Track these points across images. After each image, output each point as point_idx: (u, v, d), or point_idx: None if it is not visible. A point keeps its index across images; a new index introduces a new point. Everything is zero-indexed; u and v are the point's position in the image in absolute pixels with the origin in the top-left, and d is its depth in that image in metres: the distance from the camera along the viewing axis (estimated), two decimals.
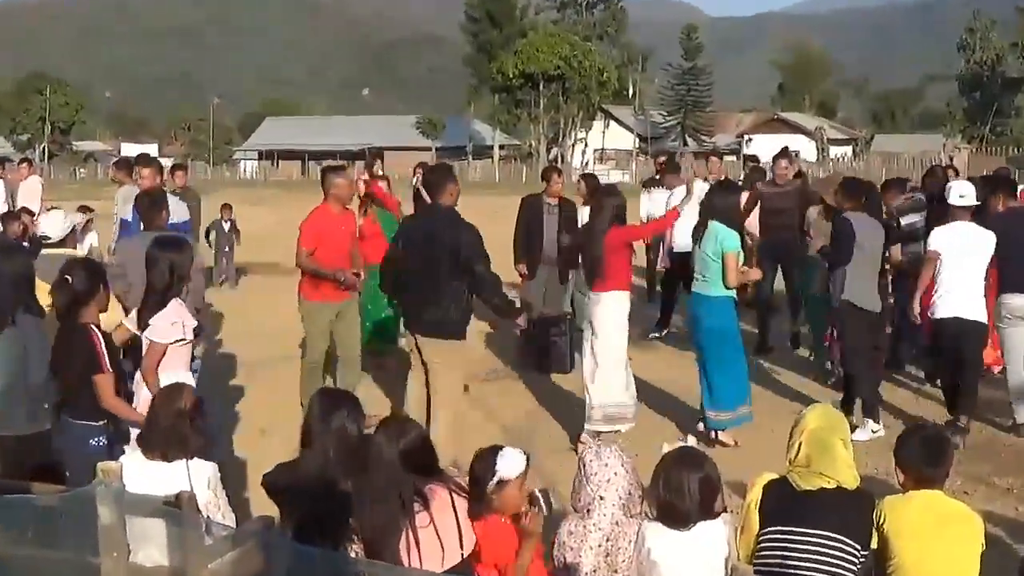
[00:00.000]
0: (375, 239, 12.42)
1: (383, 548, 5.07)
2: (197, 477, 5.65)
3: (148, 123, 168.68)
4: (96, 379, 6.80)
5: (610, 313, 10.19)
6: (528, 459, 5.44)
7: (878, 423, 10.60)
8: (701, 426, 10.47)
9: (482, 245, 9.29)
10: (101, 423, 6.91)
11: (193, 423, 5.82)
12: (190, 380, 7.23)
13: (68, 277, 6.97)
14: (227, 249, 20.85)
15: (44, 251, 8.59)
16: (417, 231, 9.61)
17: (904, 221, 12.55)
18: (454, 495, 5.28)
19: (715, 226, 10.17)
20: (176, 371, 7.20)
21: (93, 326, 6.92)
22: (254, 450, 9.40)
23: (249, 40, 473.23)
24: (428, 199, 18.63)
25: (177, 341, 7.34)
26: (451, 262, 9.11)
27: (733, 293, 10.30)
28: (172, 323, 7.30)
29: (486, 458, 5.44)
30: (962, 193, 10.84)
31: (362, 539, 5.12)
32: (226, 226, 21.02)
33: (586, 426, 10.24)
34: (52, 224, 8.86)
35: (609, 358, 10.21)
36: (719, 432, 10.39)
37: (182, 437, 5.75)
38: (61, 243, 8.74)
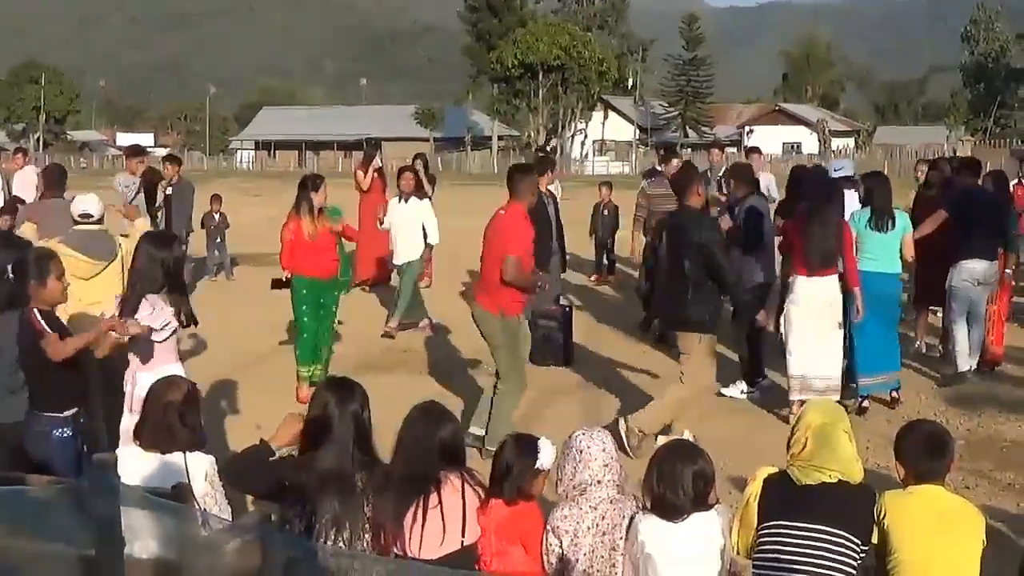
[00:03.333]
0: (329, 251, 11.91)
1: (390, 531, 5.21)
2: (194, 470, 5.62)
3: (143, 112, 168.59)
4: (42, 344, 6.73)
5: (826, 295, 10.68)
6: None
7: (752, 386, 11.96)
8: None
9: (722, 243, 10.02)
10: (66, 414, 6.87)
11: (184, 416, 5.78)
12: (181, 371, 7.20)
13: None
14: (218, 240, 20.83)
15: (82, 227, 9.09)
16: (667, 231, 10.17)
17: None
18: (466, 485, 5.39)
19: (900, 214, 11.45)
20: (166, 365, 7.16)
21: (35, 309, 6.84)
22: (250, 444, 9.37)
23: (245, 28, 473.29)
24: (429, 191, 18.61)
25: (162, 328, 7.27)
26: (695, 259, 9.69)
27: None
28: (150, 313, 7.21)
29: (519, 448, 5.64)
30: (836, 168, 13.00)
31: (371, 525, 5.19)
32: (216, 218, 20.99)
33: (792, 397, 10.77)
34: (91, 203, 9.26)
35: (825, 334, 10.66)
36: (867, 398, 11.31)
37: (170, 429, 5.72)
38: (99, 221, 9.24)
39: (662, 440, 8.95)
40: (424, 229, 15.57)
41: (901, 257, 11.51)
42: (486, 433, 9.86)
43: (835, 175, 12.77)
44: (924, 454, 5.42)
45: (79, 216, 9.22)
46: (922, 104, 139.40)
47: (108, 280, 8.87)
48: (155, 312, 7.25)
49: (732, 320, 12.24)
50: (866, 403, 11.24)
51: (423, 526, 5.24)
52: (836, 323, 10.73)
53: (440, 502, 5.28)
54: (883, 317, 11.22)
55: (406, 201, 15.57)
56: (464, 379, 12.65)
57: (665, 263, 10.14)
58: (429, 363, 13.47)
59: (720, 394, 11.66)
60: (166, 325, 7.31)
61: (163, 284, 7.44)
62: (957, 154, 38.80)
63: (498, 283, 9.76)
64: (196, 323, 7.82)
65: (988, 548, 5.30)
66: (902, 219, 11.50)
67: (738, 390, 11.95)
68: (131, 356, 7.37)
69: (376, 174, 19.09)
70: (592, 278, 20.29)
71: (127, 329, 6.99)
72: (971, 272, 12.19)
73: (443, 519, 5.26)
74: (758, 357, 12.15)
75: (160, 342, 7.32)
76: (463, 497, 5.35)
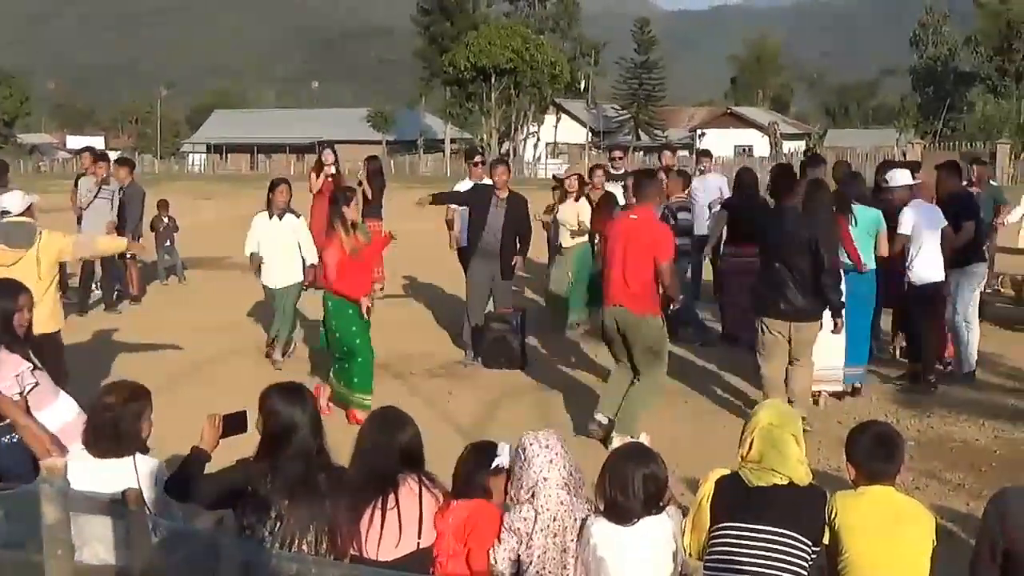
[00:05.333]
0: (370, 270, 11.47)
1: (347, 533, 5.25)
2: (144, 474, 5.58)
3: (94, 114, 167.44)
4: None
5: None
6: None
7: None
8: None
9: (834, 240, 10.72)
10: (5, 422, 6.74)
11: (132, 420, 5.73)
12: (69, 400, 7.02)
13: None
14: (168, 244, 20.73)
15: (5, 219, 9.40)
16: (775, 229, 10.60)
17: (680, 216, 14.37)
18: (424, 488, 5.45)
19: (863, 209, 11.84)
20: (54, 402, 6.97)
21: None
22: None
23: (197, 29, 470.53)
24: (370, 195, 18.44)
25: (30, 390, 6.85)
26: (809, 254, 10.26)
27: None
28: (15, 376, 6.79)
29: (480, 452, 5.80)
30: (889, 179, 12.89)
31: (328, 526, 5.20)
32: (165, 221, 20.89)
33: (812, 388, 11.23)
34: (12, 200, 9.53)
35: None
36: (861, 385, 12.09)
37: (118, 434, 5.67)
38: (20, 216, 9.44)
39: (616, 443, 9.00)
40: (300, 248, 13.49)
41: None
42: (613, 419, 10.33)
43: (891, 185, 12.82)
44: (875, 455, 5.45)
45: (1, 212, 9.49)
46: (872, 107, 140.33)
47: (27, 266, 8.99)
48: (17, 376, 6.91)
49: None
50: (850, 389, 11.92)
51: (380, 528, 5.29)
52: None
53: (397, 504, 5.33)
54: (852, 311, 11.39)
55: (280, 218, 13.39)
56: (418, 381, 12.62)
57: (777, 258, 10.48)
58: (383, 366, 13.42)
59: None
60: (19, 375, 7.01)
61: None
62: (906, 157, 39.07)
63: (648, 286, 10.12)
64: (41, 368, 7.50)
65: (939, 548, 5.34)
66: (869, 215, 11.79)
67: None
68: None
69: (330, 178, 19.00)
70: None
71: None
72: (977, 276, 12.87)
73: (399, 521, 5.31)
74: None
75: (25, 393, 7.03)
76: (420, 500, 5.40)
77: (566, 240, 15.32)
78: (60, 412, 6.84)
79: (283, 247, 13.27)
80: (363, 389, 11.10)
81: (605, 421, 10.35)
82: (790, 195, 10.70)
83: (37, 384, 6.86)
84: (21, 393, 6.75)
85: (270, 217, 13.32)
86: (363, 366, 11.14)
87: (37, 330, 8.39)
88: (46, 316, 9.01)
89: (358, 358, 11.12)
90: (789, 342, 10.58)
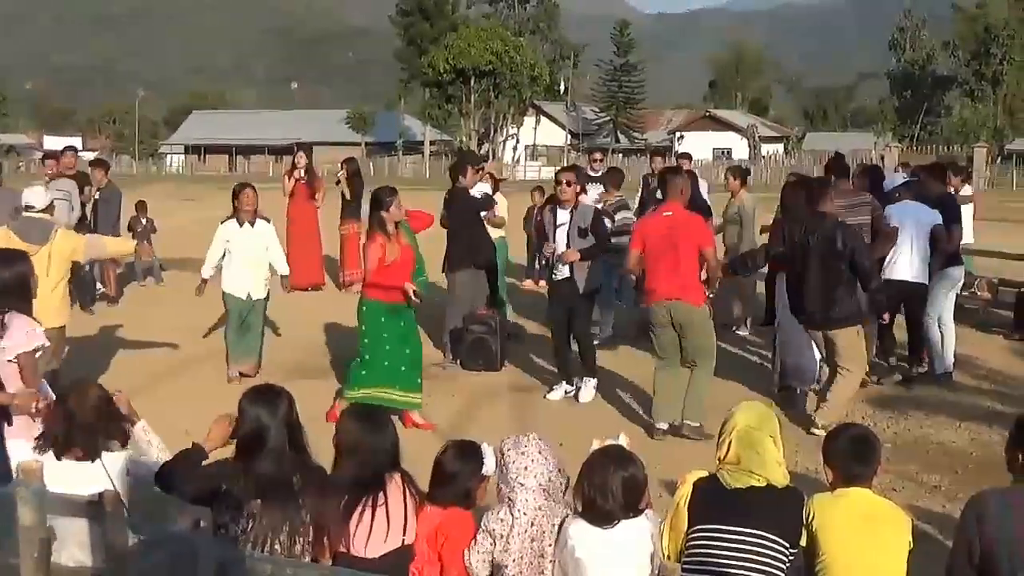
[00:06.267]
0: (408, 271, 10.85)
1: (335, 532, 5.29)
2: (113, 472, 5.56)
3: (72, 115, 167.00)
4: None
5: None
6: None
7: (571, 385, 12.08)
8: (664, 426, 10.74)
9: (865, 244, 10.90)
10: None
11: (98, 421, 5.70)
12: (45, 386, 7.00)
13: None
14: (145, 245, 20.66)
15: (27, 214, 9.84)
16: (809, 237, 10.64)
17: (617, 217, 14.39)
18: (407, 486, 5.48)
19: None
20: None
21: None
22: (179, 449, 9.27)
23: (174, 30, 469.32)
24: (348, 196, 18.50)
25: (37, 349, 6.88)
26: (844, 261, 10.43)
27: None
28: (27, 332, 6.84)
29: (463, 453, 5.74)
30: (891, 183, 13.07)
31: (313, 526, 5.22)
32: (143, 222, 20.84)
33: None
34: (36, 196, 9.98)
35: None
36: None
37: (106, 433, 5.66)
38: (42, 212, 9.91)
39: (596, 444, 8.99)
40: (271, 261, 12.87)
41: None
42: (673, 423, 10.61)
43: (895, 185, 13.02)
44: (852, 457, 5.47)
45: (24, 207, 9.87)
46: (851, 110, 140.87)
47: (38, 262, 9.00)
48: (31, 331, 6.86)
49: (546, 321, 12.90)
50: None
51: (370, 524, 5.33)
52: None
53: (386, 501, 5.37)
54: None
55: (251, 225, 12.55)
56: None
57: (814, 266, 10.59)
58: None
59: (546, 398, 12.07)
60: (41, 344, 6.92)
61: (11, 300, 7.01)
62: (884, 161, 39.20)
63: (697, 276, 10.58)
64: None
65: (915, 549, 5.35)
66: None
67: (561, 391, 12.07)
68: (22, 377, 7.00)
69: (301, 180, 19.01)
70: (525, 283, 20.28)
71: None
72: (953, 279, 12.94)
73: (388, 519, 5.35)
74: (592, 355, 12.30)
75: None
76: (405, 497, 5.44)
77: None
78: (43, 394, 6.84)
79: (254, 258, 12.53)
80: (358, 384, 10.75)
81: (666, 427, 10.59)
82: (826, 202, 10.82)
83: (48, 343, 7.06)
84: (37, 348, 6.85)
85: (240, 225, 12.49)
86: (368, 364, 10.83)
87: (44, 324, 8.60)
88: (53, 311, 9.33)
89: (384, 361, 10.77)
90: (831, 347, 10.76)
